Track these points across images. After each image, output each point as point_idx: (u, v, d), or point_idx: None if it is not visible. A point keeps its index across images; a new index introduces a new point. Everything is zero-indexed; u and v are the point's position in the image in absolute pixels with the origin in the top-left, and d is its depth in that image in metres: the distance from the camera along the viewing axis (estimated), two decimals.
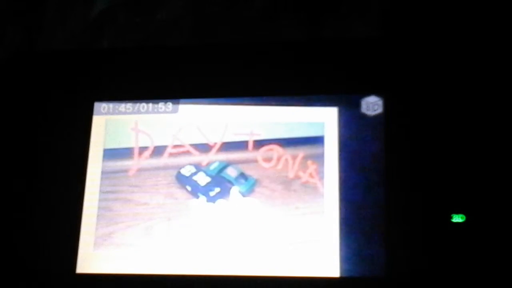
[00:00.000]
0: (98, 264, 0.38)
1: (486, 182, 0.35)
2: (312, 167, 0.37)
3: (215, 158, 0.38)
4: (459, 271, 0.34)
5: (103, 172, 0.39)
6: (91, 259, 0.38)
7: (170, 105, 0.39)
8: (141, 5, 0.45)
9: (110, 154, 0.39)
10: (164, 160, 0.39)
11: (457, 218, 0.35)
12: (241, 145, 0.38)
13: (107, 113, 0.40)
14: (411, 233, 0.35)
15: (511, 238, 0.34)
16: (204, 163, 0.39)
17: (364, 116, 0.37)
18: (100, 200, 0.38)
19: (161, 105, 0.40)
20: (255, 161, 0.38)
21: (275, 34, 0.43)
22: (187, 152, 0.39)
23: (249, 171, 0.38)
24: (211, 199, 0.38)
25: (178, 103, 0.39)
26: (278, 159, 0.38)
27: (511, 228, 0.34)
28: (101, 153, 0.39)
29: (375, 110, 0.37)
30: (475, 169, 0.35)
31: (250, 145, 0.38)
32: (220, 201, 0.38)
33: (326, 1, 0.43)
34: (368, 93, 0.37)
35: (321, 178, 0.37)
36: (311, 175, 0.37)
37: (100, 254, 0.38)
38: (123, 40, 0.45)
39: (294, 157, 0.38)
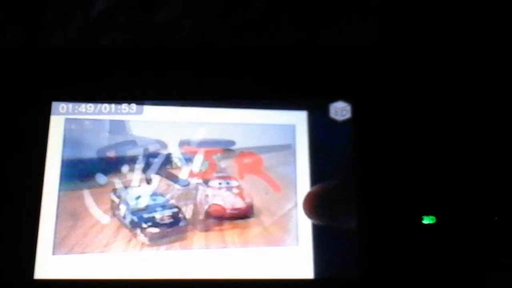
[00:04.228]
0: (57, 269, 0.36)
1: (456, 184, 0.36)
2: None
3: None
4: (430, 271, 0.35)
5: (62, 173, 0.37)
6: (49, 263, 0.36)
7: (134, 106, 0.38)
8: (141, 5, 0.44)
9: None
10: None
11: (428, 220, 0.35)
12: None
13: (66, 113, 0.38)
14: (384, 234, 0.35)
15: (480, 239, 0.35)
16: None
17: (332, 121, 0.38)
18: (60, 202, 0.36)
19: (124, 106, 0.38)
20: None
21: (274, 36, 0.42)
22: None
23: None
24: None
25: (143, 104, 0.38)
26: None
27: (480, 229, 0.35)
28: (59, 154, 0.37)
29: (343, 115, 0.38)
30: (445, 172, 0.36)
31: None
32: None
33: (319, 7, 0.43)
34: (336, 99, 0.38)
35: (294, 181, 0.37)
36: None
37: (60, 259, 0.36)
38: (123, 40, 0.43)
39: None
